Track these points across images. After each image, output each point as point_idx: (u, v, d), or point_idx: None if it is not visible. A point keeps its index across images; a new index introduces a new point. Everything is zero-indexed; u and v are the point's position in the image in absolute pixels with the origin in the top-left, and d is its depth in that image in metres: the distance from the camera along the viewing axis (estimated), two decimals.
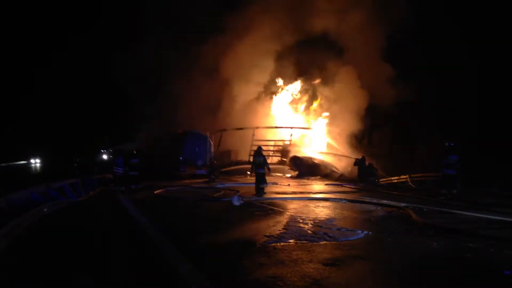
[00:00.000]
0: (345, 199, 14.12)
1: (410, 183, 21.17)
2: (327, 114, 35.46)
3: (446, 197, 14.21)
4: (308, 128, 34.49)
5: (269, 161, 32.99)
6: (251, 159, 32.09)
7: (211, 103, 36.30)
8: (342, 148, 33.78)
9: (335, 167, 29.09)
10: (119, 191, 17.92)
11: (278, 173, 30.04)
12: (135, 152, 19.68)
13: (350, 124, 33.78)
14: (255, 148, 33.31)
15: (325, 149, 33.77)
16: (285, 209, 12.15)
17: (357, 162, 24.43)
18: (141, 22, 37.98)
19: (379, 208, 12.17)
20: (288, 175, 28.61)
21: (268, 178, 25.48)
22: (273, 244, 7.39)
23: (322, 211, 11.74)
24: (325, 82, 35.78)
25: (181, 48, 36.35)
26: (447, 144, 14.82)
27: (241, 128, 34.76)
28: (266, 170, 17.17)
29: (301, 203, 13.73)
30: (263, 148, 33.62)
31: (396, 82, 31.33)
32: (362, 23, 33.22)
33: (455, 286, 5.30)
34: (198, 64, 36.23)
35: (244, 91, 36.35)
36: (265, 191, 16.53)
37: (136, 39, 38.07)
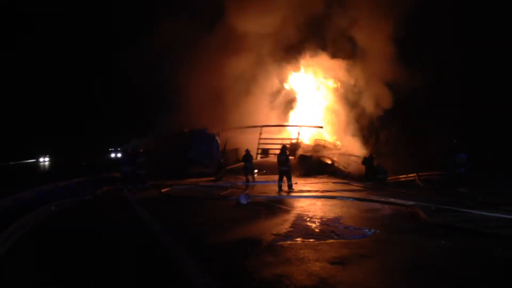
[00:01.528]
0: (352, 198, 14.06)
1: (418, 182, 21.02)
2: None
3: (465, 194, 13.94)
4: (318, 127, 34.29)
5: (275, 159, 33.18)
6: (259, 158, 32.20)
7: (220, 100, 36.12)
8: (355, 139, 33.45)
9: (343, 165, 28.99)
10: (126, 190, 17.97)
11: None
12: (141, 151, 19.74)
13: (378, 95, 32.82)
14: (262, 146, 33.57)
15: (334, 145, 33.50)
16: (292, 207, 12.14)
17: (365, 161, 24.37)
18: (150, 12, 37.92)
19: (386, 206, 12.10)
20: (296, 174, 28.56)
21: (275, 177, 25.60)
22: (280, 243, 7.38)
23: (329, 209, 11.70)
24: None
25: (193, 37, 36.13)
26: (455, 142, 14.62)
27: (245, 127, 34.70)
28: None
29: (308, 201, 13.70)
30: (270, 146, 33.85)
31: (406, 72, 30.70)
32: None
33: (464, 286, 5.25)
34: (209, 57, 36.03)
35: (258, 84, 36.05)
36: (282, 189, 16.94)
37: (145, 30, 37.94)
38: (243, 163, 22.63)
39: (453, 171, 14.55)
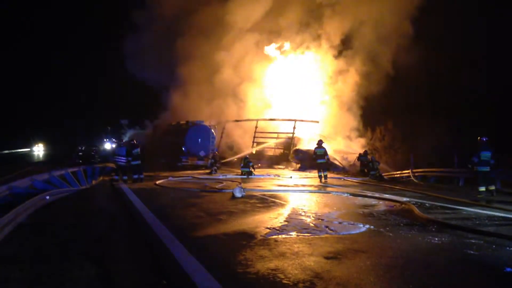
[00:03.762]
0: (347, 193, 14.11)
1: (412, 178, 21.12)
2: None
3: (485, 195, 13.38)
4: (314, 121, 34.21)
5: (271, 153, 33.22)
6: (254, 152, 32.21)
7: (217, 92, 35.97)
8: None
9: (338, 161, 29.07)
10: (121, 181, 17.94)
11: (280, 165, 30.06)
12: (134, 142, 19.73)
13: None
14: (258, 140, 33.55)
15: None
16: (286, 201, 12.17)
17: (360, 156, 24.45)
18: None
19: (381, 202, 12.16)
20: (291, 168, 28.64)
21: (270, 171, 25.69)
22: (274, 237, 7.40)
23: (324, 204, 11.74)
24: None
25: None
26: (479, 138, 13.94)
27: (241, 120, 34.64)
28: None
29: (303, 196, 13.74)
30: (265, 140, 33.83)
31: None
32: None
33: (456, 282, 5.28)
34: (206, 49, 35.83)
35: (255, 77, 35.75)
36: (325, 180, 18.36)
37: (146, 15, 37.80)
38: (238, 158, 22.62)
39: (478, 169, 13.68)
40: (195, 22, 36.18)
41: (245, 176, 21.02)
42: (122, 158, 18.19)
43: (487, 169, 13.63)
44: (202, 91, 35.92)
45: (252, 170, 22.06)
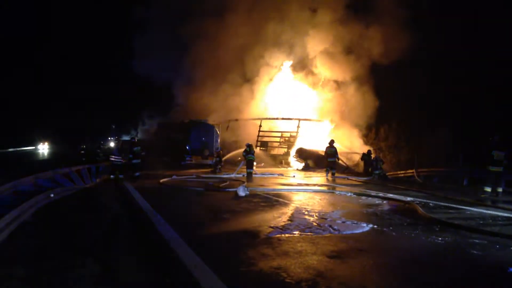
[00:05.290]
0: (350, 192, 14.09)
1: (416, 178, 21.07)
2: None
3: (489, 195, 13.24)
4: (318, 120, 34.13)
5: (275, 152, 33.22)
6: (258, 150, 32.19)
7: (221, 91, 35.92)
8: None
9: (342, 160, 29.01)
10: (122, 179, 17.96)
11: (284, 164, 30.05)
12: (135, 140, 19.76)
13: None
14: (261, 139, 33.54)
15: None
16: (290, 200, 12.16)
17: (364, 156, 24.39)
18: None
19: (384, 202, 12.14)
20: (294, 167, 28.62)
21: (273, 170, 25.68)
22: (277, 235, 7.40)
23: (327, 203, 11.73)
24: None
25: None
26: (492, 138, 13.49)
27: (245, 119, 34.61)
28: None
29: (307, 195, 13.73)
30: (269, 139, 33.84)
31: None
32: None
33: (460, 282, 5.28)
34: (213, 47, 35.74)
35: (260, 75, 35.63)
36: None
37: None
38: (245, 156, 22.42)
39: (490, 169, 13.38)
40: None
41: (246, 173, 20.99)
42: (118, 157, 18.25)
43: (501, 169, 13.32)
44: (209, 85, 35.82)
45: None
